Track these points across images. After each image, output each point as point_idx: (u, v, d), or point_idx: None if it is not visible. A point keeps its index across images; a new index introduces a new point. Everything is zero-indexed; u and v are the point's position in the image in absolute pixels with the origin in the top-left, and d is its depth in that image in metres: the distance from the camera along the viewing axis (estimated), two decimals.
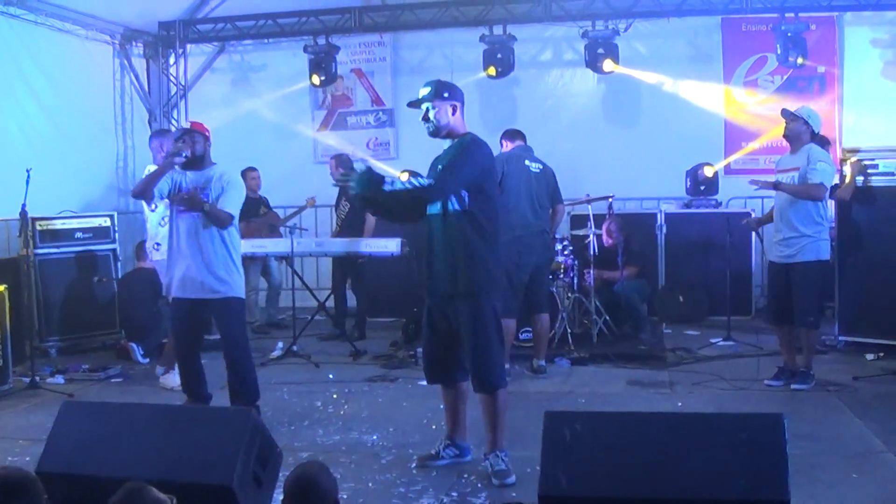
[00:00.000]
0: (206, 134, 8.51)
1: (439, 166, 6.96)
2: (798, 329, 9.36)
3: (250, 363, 8.61)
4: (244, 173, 13.36)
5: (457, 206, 6.85)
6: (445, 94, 7.02)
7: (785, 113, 9.43)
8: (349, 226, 12.77)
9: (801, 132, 9.25)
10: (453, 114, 7.02)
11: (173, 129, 15.48)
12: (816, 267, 9.24)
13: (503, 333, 7.27)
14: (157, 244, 10.32)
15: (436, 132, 7.03)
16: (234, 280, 8.41)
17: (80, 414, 6.01)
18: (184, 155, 8.26)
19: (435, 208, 6.93)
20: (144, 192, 8.34)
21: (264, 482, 5.44)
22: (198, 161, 8.39)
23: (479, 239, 6.89)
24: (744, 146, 14.77)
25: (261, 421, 5.72)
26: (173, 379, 10.23)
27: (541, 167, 10.20)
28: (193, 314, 8.47)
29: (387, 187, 6.75)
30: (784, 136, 9.45)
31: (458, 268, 6.88)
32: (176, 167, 8.39)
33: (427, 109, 7.01)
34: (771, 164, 11.26)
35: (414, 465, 7.23)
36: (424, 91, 7.07)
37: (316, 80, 15.17)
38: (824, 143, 10.59)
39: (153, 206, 10.10)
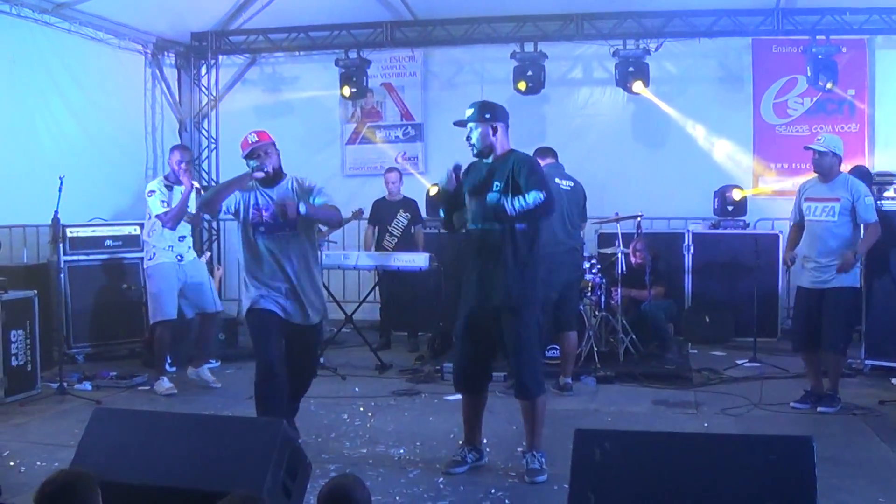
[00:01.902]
0: (273, 141, 7.96)
1: (497, 182, 7.21)
2: (824, 354, 9.36)
3: None
4: None
5: (523, 225, 7.23)
6: (487, 116, 7.35)
7: (810, 149, 9.44)
8: (404, 242, 12.88)
9: (832, 165, 9.30)
10: (493, 134, 7.35)
11: (204, 139, 15.65)
12: (850, 293, 9.30)
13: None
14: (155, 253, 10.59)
15: (479, 153, 7.40)
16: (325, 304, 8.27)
17: (110, 421, 6.03)
18: (265, 171, 7.74)
19: (497, 225, 7.21)
20: (210, 205, 7.89)
21: (293, 493, 5.45)
22: (275, 175, 7.91)
23: (533, 255, 7.31)
24: (772, 167, 14.74)
25: (291, 432, 5.75)
26: (164, 384, 10.45)
27: (572, 184, 10.24)
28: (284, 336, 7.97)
29: (518, 207, 7.06)
30: (815, 170, 9.44)
31: (515, 281, 7.21)
32: (252, 183, 7.86)
33: (470, 129, 7.35)
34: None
35: (441, 479, 7.27)
36: (468, 112, 7.40)
37: (346, 91, 15.21)
38: (867, 176, 10.69)
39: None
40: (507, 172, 7.21)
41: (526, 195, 7.04)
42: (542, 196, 7.06)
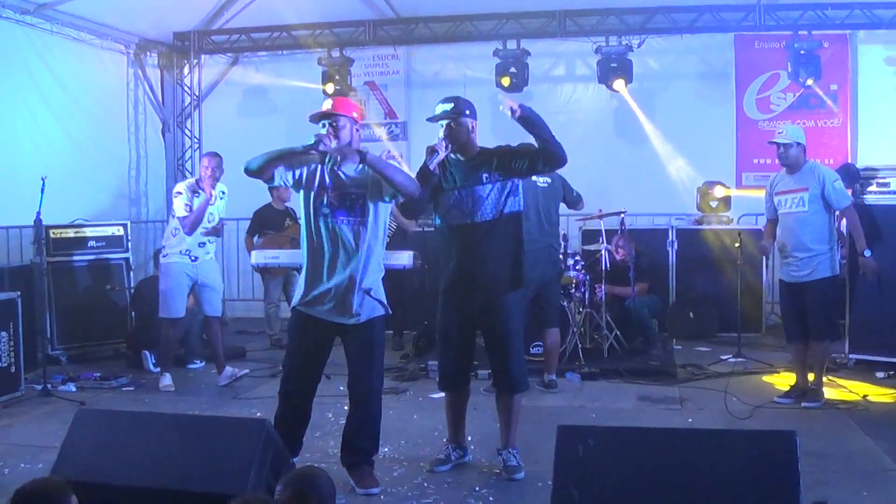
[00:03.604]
0: (353, 115, 6.98)
1: (484, 174, 7.13)
2: (813, 345, 9.37)
3: None
4: (274, 188, 13.31)
5: (518, 207, 7.25)
6: (467, 112, 7.17)
7: (774, 144, 9.41)
8: (395, 242, 12.84)
9: (797, 155, 9.27)
10: (472, 131, 7.19)
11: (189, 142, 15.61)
12: (831, 283, 9.30)
13: None
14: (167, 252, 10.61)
15: (458, 148, 7.16)
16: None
17: (94, 422, 6.03)
18: (320, 148, 6.72)
19: (489, 215, 7.11)
20: (263, 168, 6.77)
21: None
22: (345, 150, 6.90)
23: (518, 246, 7.29)
24: (755, 163, 14.76)
25: (274, 432, 5.74)
26: (165, 381, 10.59)
27: (549, 181, 10.22)
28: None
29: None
30: (782, 164, 9.42)
31: (501, 274, 7.19)
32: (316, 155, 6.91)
33: (451, 125, 7.12)
34: None
35: (425, 477, 7.26)
36: (446, 107, 7.16)
37: (330, 88, 15.17)
38: (856, 174, 10.74)
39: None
40: (493, 164, 7.13)
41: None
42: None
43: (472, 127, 7.20)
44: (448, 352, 7.44)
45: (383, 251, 7.17)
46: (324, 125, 6.85)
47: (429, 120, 7.31)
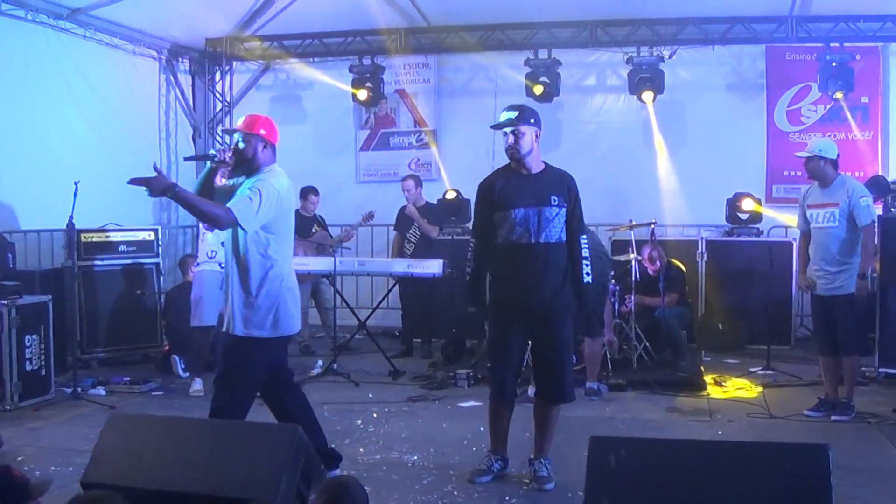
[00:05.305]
0: (260, 132, 6.97)
1: (554, 197, 7.08)
2: (843, 359, 9.31)
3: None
4: (304, 194, 13.30)
5: (563, 238, 7.14)
6: (532, 120, 7.11)
7: (800, 158, 9.42)
8: (421, 249, 12.86)
9: (821, 168, 9.20)
10: (536, 140, 7.13)
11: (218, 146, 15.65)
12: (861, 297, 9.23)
13: None
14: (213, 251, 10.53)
15: (520, 157, 7.10)
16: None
17: (126, 426, 6.05)
18: (216, 159, 7.00)
19: (553, 237, 7.10)
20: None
21: (308, 499, 5.45)
22: (245, 165, 6.92)
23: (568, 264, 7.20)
24: (785, 175, 14.70)
25: (306, 438, 5.74)
26: (195, 385, 10.65)
27: None
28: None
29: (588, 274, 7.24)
30: (809, 177, 9.42)
31: (560, 289, 7.14)
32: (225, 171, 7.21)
33: (514, 133, 7.05)
34: None
35: (454, 486, 7.23)
36: (510, 114, 7.11)
37: (362, 95, 15.22)
38: (886, 186, 10.66)
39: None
40: (565, 194, 7.12)
41: (582, 249, 7.16)
42: (587, 240, 7.24)
43: (537, 136, 7.12)
44: (504, 362, 7.38)
45: (273, 264, 6.86)
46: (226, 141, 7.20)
47: (493, 127, 7.30)
